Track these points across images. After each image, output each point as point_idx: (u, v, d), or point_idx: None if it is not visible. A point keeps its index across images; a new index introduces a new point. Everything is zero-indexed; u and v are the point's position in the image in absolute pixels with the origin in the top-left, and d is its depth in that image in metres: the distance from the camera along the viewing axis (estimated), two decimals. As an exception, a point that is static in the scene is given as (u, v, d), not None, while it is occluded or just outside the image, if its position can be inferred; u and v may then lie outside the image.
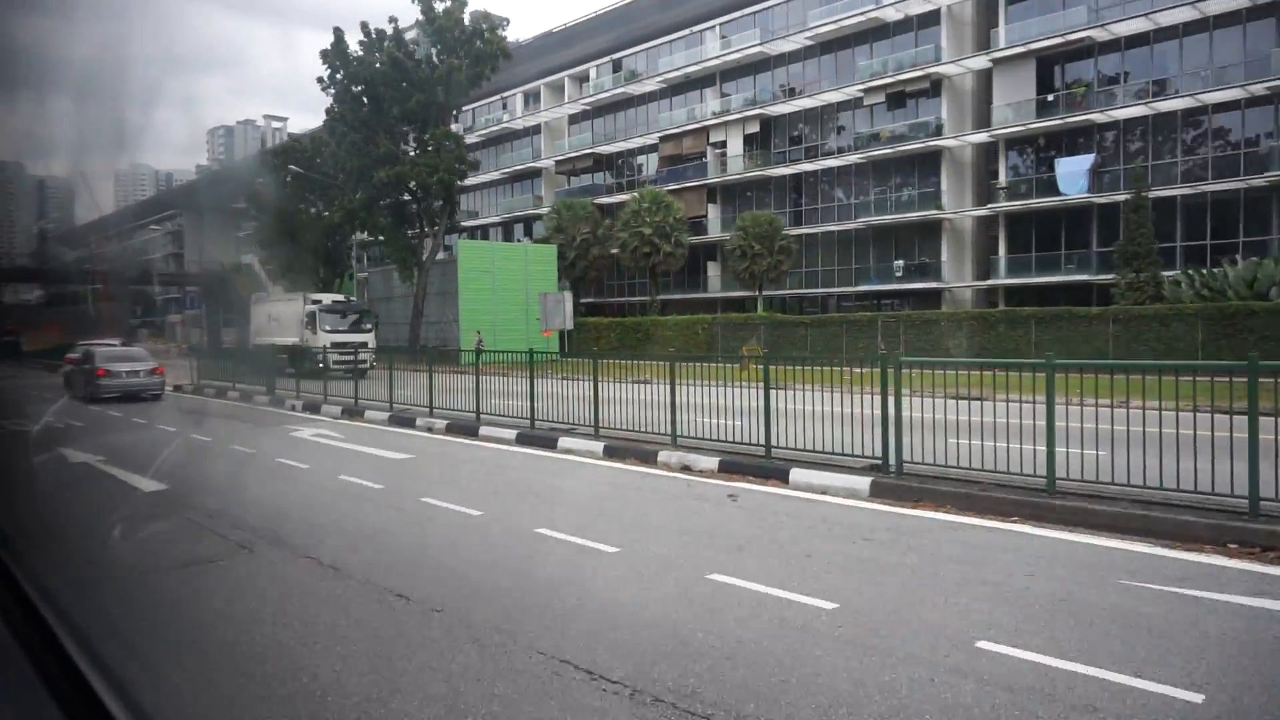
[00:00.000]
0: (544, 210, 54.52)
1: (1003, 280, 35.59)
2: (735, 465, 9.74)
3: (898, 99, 38.71)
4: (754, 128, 43.72)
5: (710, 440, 10.66)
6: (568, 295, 34.75)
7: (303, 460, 11.33)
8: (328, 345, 24.44)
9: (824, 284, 41.74)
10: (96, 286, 77.44)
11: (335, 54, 40.18)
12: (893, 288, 38.80)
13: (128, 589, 5.93)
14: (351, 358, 18.52)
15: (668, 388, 11.10)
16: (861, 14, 38.89)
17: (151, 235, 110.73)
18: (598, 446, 11.46)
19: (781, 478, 9.10)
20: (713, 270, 46.25)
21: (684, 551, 6.47)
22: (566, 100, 54.92)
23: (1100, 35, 32.46)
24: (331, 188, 45.79)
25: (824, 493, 8.54)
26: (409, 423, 15.00)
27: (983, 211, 37.00)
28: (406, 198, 41.64)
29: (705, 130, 45.69)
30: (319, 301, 30.63)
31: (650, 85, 49.05)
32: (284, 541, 6.99)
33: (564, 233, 44.73)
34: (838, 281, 41.20)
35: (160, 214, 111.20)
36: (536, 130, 56.65)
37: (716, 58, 45.28)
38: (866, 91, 39.03)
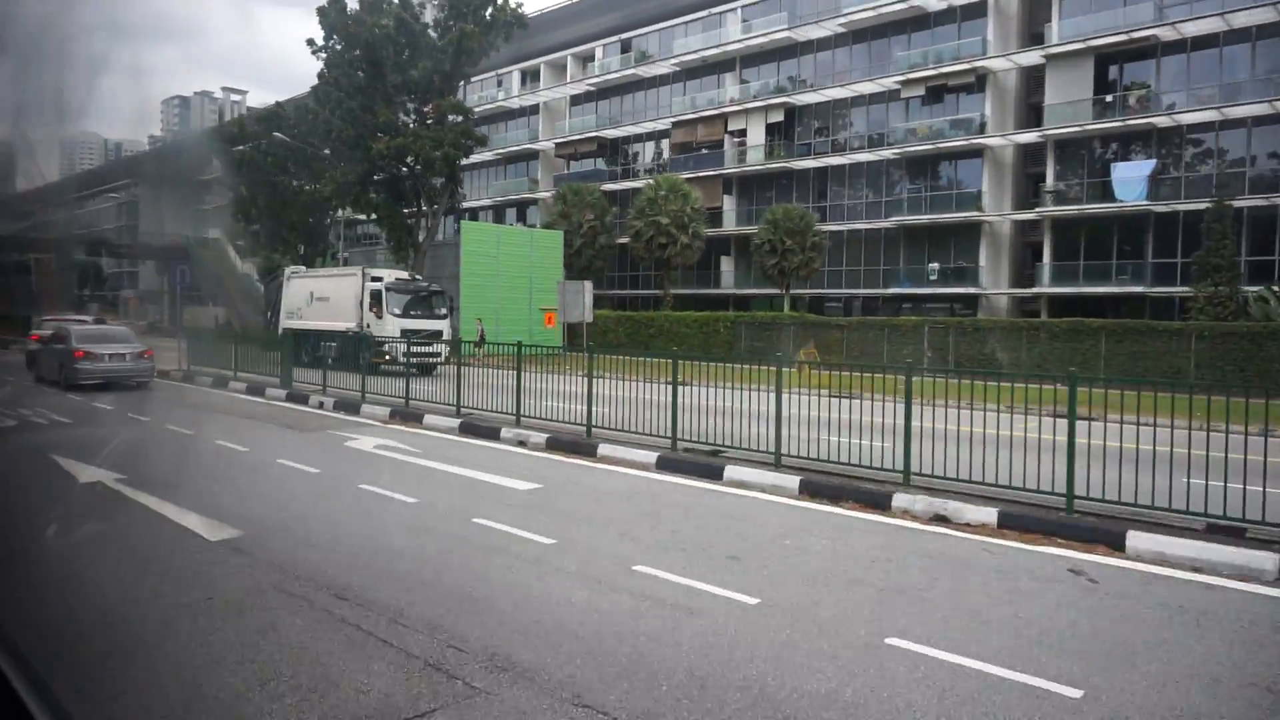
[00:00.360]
0: (541, 194, 51.53)
1: (1047, 289, 33.67)
2: (1061, 527, 7.19)
3: (937, 93, 36.59)
4: (777, 116, 41.27)
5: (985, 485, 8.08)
6: (588, 285, 31.88)
7: (396, 488, 8.49)
8: (399, 333, 20.05)
9: (848, 284, 39.50)
10: (40, 257, 71.59)
11: (334, 10, 36.73)
12: (925, 291, 36.68)
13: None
14: (427, 349, 15.49)
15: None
16: (902, 2, 36.66)
17: (102, 206, 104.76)
18: (787, 481, 8.82)
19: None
20: (725, 265, 43.75)
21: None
22: (569, 80, 51.89)
23: (1167, 34, 30.65)
24: (317, 159, 42.24)
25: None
26: (491, 434, 12.15)
27: (1027, 215, 35.06)
28: (403, 172, 38.39)
29: (723, 117, 43.12)
30: (379, 278, 23.69)
31: (663, 68, 46.30)
32: (519, 668, 4.23)
33: (568, 219, 41.80)
34: (863, 283, 39.00)
35: (112, 184, 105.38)
36: (534, 110, 53.49)
37: (738, 41, 42.71)
38: (904, 84, 36.84)
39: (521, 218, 53.40)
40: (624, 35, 48.73)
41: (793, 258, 35.09)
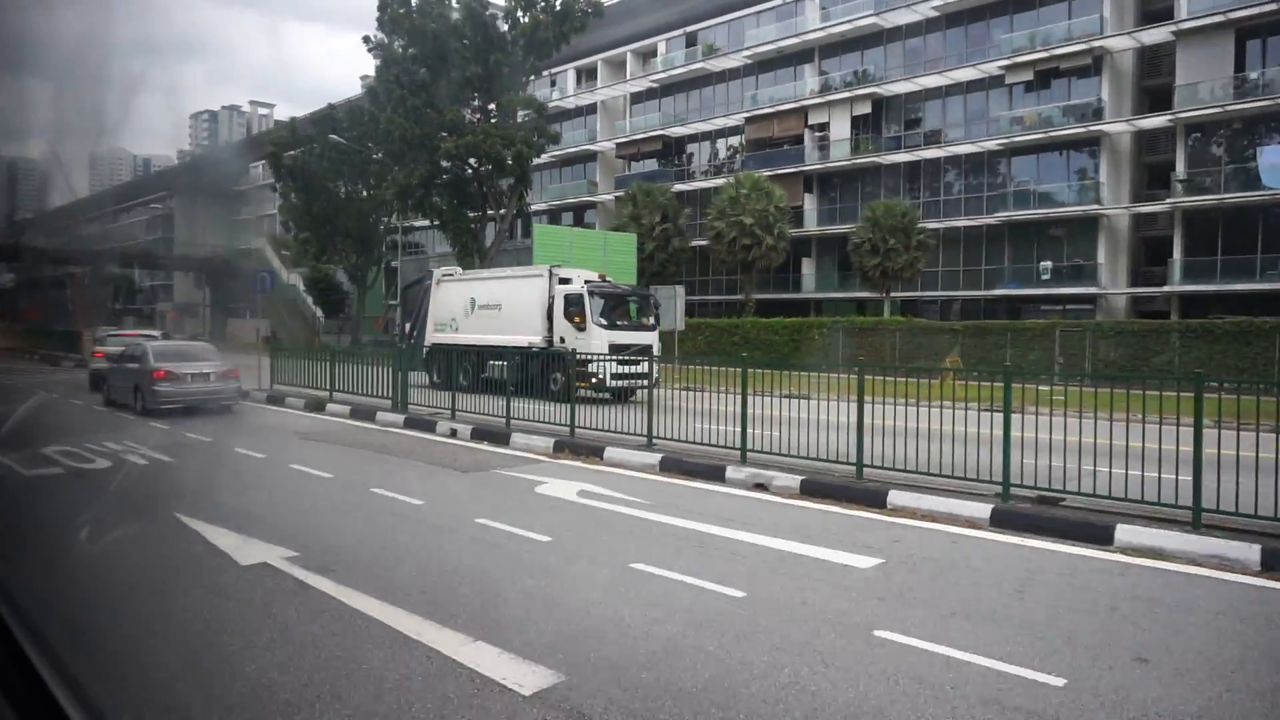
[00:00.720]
0: (602, 197, 49.11)
1: (1178, 287, 30.67)
2: None
3: (1045, 78, 33.75)
4: (863, 108, 38.59)
5: None
6: (680, 290, 29.39)
7: (686, 569, 5.92)
8: (607, 348, 16.23)
9: (945, 286, 36.68)
10: (74, 270, 69.45)
11: (395, 3, 34.50)
12: (1036, 292, 33.77)
13: None
14: (635, 369, 12.64)
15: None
16: (1004, -19, 33.97)
17: (136, 219, 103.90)
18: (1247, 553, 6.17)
19: None
20: (807, 267, 41.04)
21: None
22: (629, 77, 49.51)
23: (1322, 3, 27.73)
24: (372, 163, 40.03)
25: None
26: (711, 474, 9.54)
27: (1155, 207, 32.13)
28: (468, 174, 36.10)
29: (803, 111, 40.50)
30: (567, 279, 18.71)
31: (733, 61, 43.77)
32: None
33: (639, 221, 39.31)
34: (963, 284, 36.15)
35: (146, 196, 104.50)
36: (592, 110, 51.16)
37: (817, 30, 40.11)
38: (1009, 68, 34.04)
39: (578, 221, 50.99)
40: (689, 28, 46.28)
41: (897, 258, 32.34)
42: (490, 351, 17.23)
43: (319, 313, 53.83)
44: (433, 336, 21.21)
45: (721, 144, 45.44)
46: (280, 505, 8.37)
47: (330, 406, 16.46)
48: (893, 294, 36.35)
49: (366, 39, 36.30)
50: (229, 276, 58.21)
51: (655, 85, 47.71)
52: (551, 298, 18.39)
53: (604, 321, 17.78)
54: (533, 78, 36.53)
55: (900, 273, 32.71)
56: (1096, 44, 32.08)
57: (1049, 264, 33.63)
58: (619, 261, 36.34)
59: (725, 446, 10.11)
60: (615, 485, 9.14)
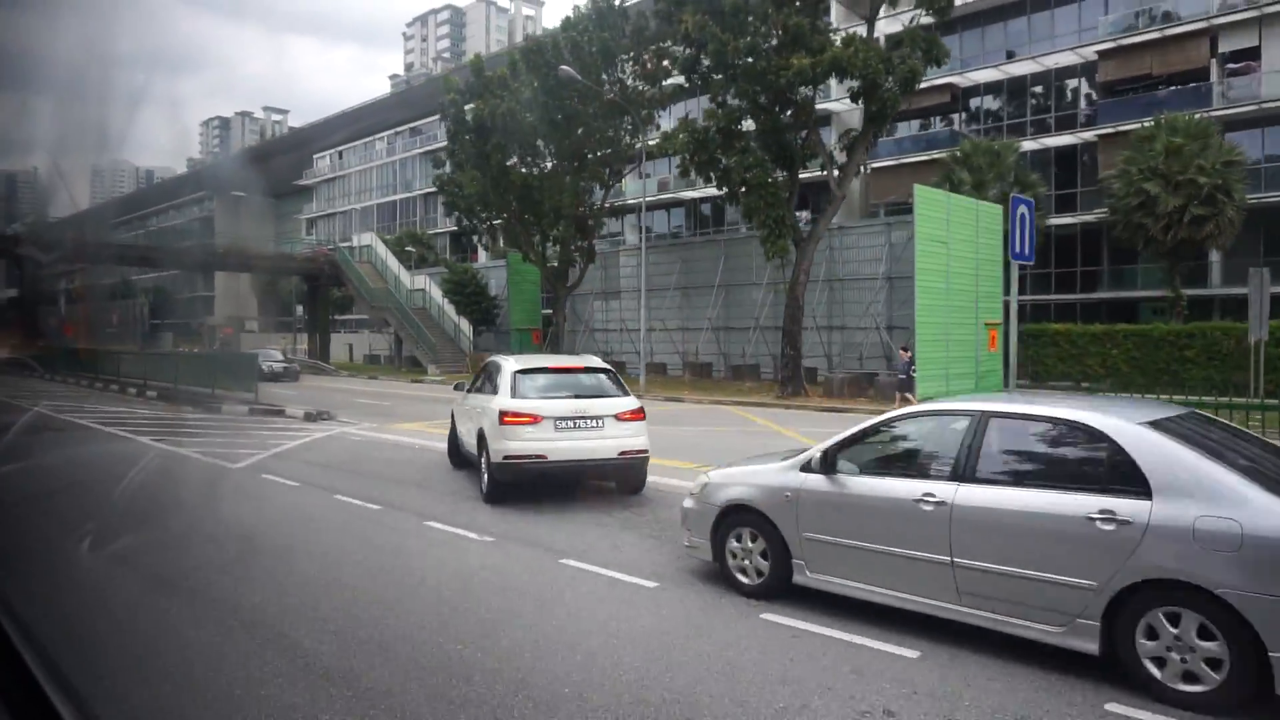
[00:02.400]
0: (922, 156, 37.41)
1: None
2: None
3: None
4: (1318, 24, 27.20)
5: None
6: (1264, 274, 17.78)
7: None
8: None
9: None
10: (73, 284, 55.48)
11: None
12: None
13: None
14: None
15: None
16: None
17: (172, 223, 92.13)
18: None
19: None
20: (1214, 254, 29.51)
21: None
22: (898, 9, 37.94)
23: None
24: (611, 112, 28.49)
25: None
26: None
27: None
28: (786, 117, 24.63)
29: (1207, 35, 29.08)
30: None
31: (1067, -25, 32.41)
32: None
33: (981, 190, 27.83)
34: None
35: (182, 199, 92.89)
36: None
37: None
38: None
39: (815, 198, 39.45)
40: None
41: None
42: None
43: (461, 324, 41.98)
44: None
45: (1041, 90, 33.95)
46: None
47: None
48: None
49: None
50: (334, 282, 46.29)
51: (931, 20, 36.13)
52: None
53: None
54: None
55: None
56: None
57: None
58: (986, 242, 24.89)
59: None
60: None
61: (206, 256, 48.18)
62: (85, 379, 27.53)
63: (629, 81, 29.79)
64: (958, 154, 29.08)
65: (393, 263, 45.29)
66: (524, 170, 30.54)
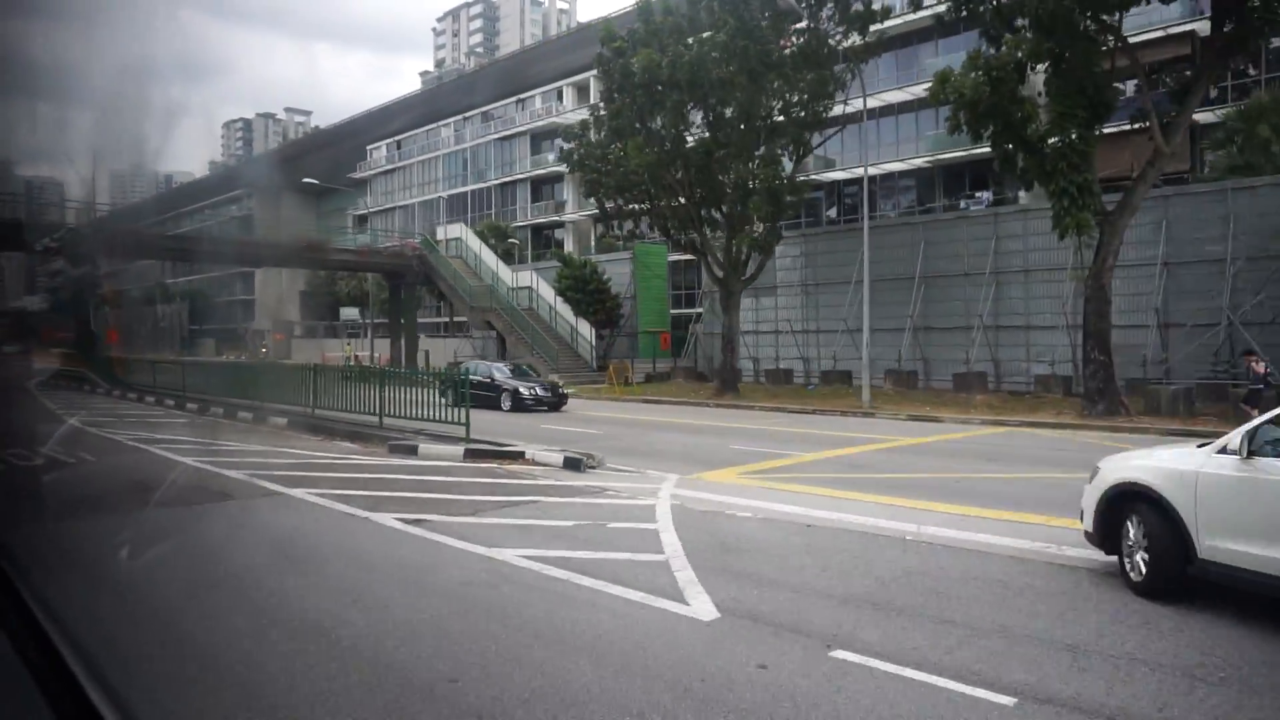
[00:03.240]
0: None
1: None
2: None
3: None
4: None
5: None
6: None
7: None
8: None
9: None
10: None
11: None
12: None
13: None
14: None
15: None
16: None
17: (207, 223, 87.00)
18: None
19: None
20: None
21: None
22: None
23: None
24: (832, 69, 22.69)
25: None
26: None
27: None
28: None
29: None
30: None
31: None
32: None
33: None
34: None
35: (219, 196, 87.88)
36: None
37: None
38: None
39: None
40: None
41: None
42: None
43: (579, 326, 36.30)
44: None
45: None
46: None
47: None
48: None
49: None
50: (422, 280, 40.69)
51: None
52: None
53: None
54: None
55: None
56: None
57: None
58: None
59: None
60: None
61: (276, 252, 42.48)
62: (166, 397, 21.87)
63: (823, 26, 24.13)
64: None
65: (488, 257, 39.67)
66: (707, 135, 24.78)
